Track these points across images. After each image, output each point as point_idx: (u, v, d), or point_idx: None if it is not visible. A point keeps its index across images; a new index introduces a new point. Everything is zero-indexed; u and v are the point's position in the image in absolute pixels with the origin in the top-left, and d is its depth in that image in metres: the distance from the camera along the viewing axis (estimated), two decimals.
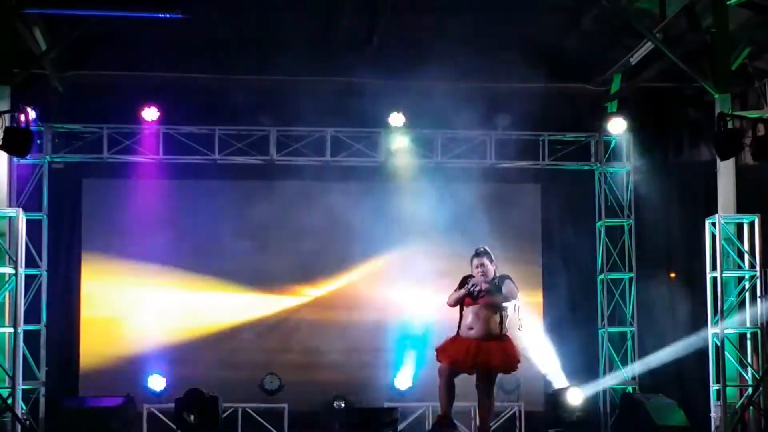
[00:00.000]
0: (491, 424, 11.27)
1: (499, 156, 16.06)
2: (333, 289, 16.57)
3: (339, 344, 16.28)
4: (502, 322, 10.39)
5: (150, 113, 15.53)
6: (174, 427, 14.69)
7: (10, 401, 12.98)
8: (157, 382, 15.70)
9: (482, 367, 10.41)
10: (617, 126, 16.07)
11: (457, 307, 10.50)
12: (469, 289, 10.34)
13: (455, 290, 10.49)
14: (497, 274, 10.49)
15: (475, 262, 10.48)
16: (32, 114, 12.88)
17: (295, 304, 16.52)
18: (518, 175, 16.57)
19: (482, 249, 10.56)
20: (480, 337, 10.33)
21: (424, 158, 15.94)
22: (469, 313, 10.38)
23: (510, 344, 10.47)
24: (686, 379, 15.87)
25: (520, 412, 15.69)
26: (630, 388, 15.90)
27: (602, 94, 16.68)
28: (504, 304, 10.40)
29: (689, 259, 15.92)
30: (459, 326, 10.46)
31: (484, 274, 10.41)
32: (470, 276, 10.48)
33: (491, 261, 10.48)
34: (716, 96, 13.48)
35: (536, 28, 15.25)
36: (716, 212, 13.55)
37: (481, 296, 10.35)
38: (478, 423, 10.69)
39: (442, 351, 10.53)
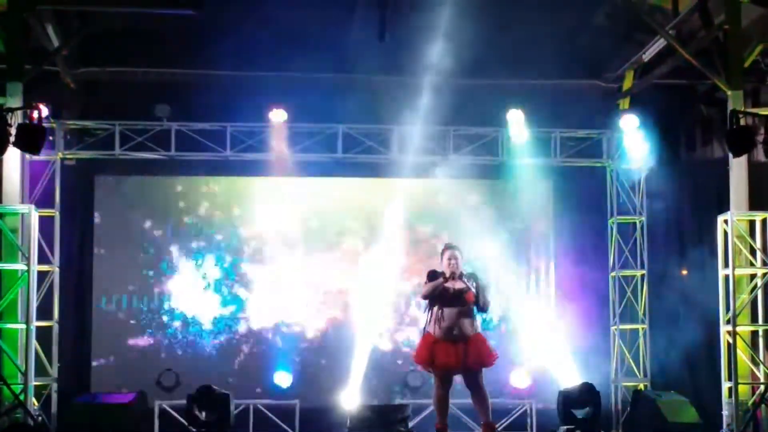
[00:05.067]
0: (501, 421, 11.34)
1: (510, 153, 16.03)
2: (345, 285, 16.54)
3: (351, 340, 16.26)
4: (474, 320, 10.94)
5: (162, 109, 15.54)
6: (186, 423, 14.69)
7: (22, 397, 13.02)
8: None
9: (473, 368, 10.75)
10: (629, 123, 16.01)
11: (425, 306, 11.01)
12: (441, 275, 10.82)
13: (425, 283, 10.92)
14: (465, 271, 10.99)
15: (447, 254, 10.97)
16: (44, 111, 12.88)
17: (307, 301, 16.49)
18: (529, 172, 16.54)
19: (455, 244, 11.12)
20: (464, 338, 10.73)
21: (436, 154, 15.91)
22: (450, 314, 10.74)
23: (482, 338, 11.00)
24: (698, 376, 15.83)
25: (531, 409, 15.66)
26: (642, 385, 15.87)
27: (614, 91, 16.62)
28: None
29: (701, 256, 15.86)
30: (434, 327, 10.80)
31: (455, 267, 10.87)
32: (436, 270, 10.93)
33: (461, 257, 10.99)
34: (729, 93, 13.42)
35: (548, 24, 15.19)
36: (728, 209, 13.51)
37: (470, 286, 10.82)
38: (482, 417, 10.84)
39: (426, 360, 10.87)
